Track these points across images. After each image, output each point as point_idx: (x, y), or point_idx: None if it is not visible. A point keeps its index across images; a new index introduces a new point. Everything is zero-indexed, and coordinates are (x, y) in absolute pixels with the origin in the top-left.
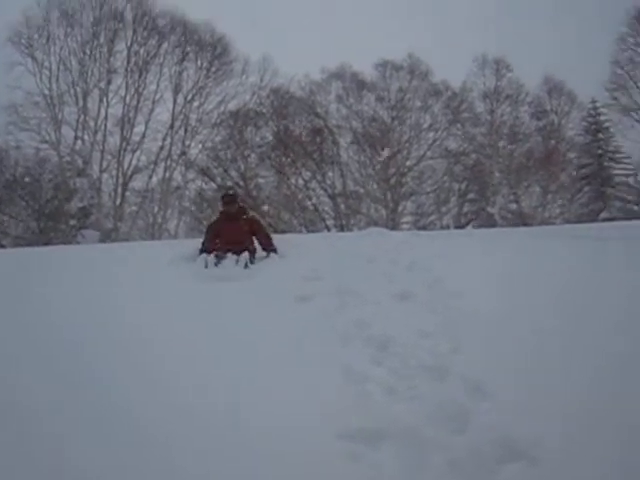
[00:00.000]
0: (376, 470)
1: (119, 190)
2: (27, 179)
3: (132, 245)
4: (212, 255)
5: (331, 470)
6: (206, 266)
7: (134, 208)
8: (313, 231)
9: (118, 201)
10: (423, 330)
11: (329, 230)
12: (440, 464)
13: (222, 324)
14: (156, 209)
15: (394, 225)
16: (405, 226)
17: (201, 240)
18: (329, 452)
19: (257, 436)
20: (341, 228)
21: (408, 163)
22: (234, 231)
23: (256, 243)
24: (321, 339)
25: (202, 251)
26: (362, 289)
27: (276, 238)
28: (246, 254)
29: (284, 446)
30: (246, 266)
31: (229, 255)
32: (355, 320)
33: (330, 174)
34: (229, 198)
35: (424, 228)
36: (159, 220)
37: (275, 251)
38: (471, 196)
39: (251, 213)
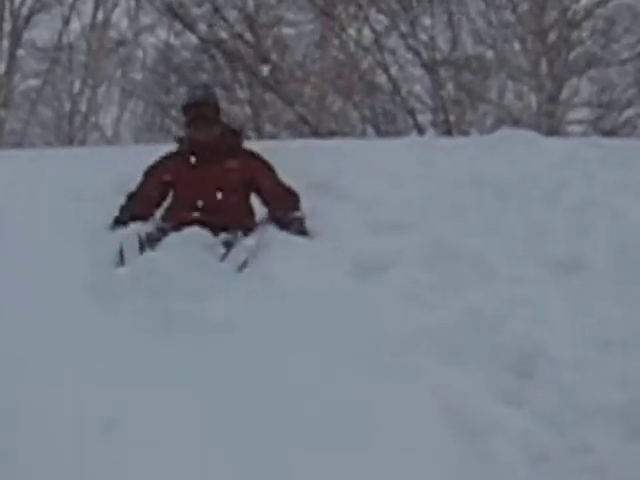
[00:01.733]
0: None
1: (4, 46)
2: None
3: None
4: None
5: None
6: (121, 260)
7: (33, 82)
8: (390, 134)
9: (2, 68)
10: (605, 337)
11: (422, 133)
12: None
13: None
14: (77, 84)
15: (553, 125)
16: (576, 128)
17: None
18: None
19: None
20: (447, 130)
21: (584, 1)
22: (207, 183)
23: (258, 210)
24: (401, 351)
25: (119, 221)
26: (486, 251)
27: (317, 148)
28: (247, 240)
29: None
30: (243, 266)
31: (192, 231)
32: (473, 312)
33: (426, 21)
34: (200, 107)
35: (612, 133)
36: (82, 106)
37: (302, 226)
38: None
39: (247, 146)
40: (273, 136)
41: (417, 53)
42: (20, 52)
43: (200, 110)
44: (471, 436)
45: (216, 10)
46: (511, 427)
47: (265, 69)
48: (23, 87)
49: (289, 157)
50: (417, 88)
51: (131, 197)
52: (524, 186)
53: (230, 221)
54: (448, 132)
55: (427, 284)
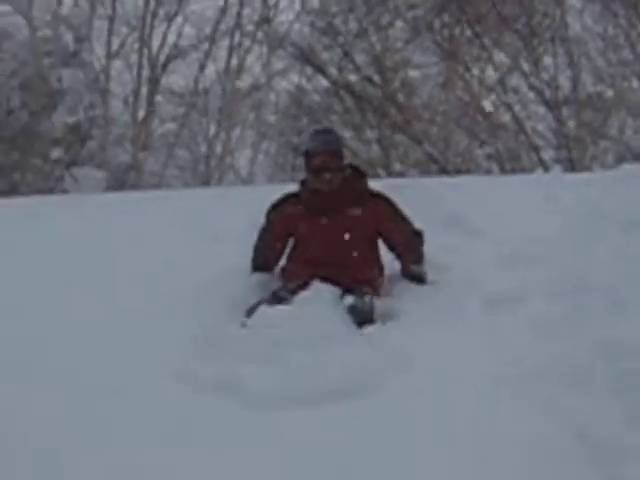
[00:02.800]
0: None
1: (143, 92)
2: None
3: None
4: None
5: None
6: (250, 314)
7: (170, 127)
8: (514, 171)
9: (141, 113)
10: None
11: (546, 169)
12: None
13: None
14: (212, 128)
15: None
16: None
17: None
18: None
19: None
20: (570, 165)
21: None
22: (329, 237)
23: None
24: (537, 382)
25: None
26: (615, 282)
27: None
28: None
29: None
30: (367, 314)
31: (312, 289)
32: (602, 341)
33: (548, 61)
34: (321, 156)
35: None
36: (218, 148)
37: (422, 275)
38: None
39: (372, 189)
40: (402, 174)
41: (540, 92)
42: (158, 98)
43: (321, 159)
44: (607, 464)
45: (345, 54)
46: None
47: (393, 110)
48: (161, 131)
49: (419, 194)
50: (540, 126)
51: (256, 250)
52: None
53: (355, 277)
54: (571, 168)
55: (557, 315)
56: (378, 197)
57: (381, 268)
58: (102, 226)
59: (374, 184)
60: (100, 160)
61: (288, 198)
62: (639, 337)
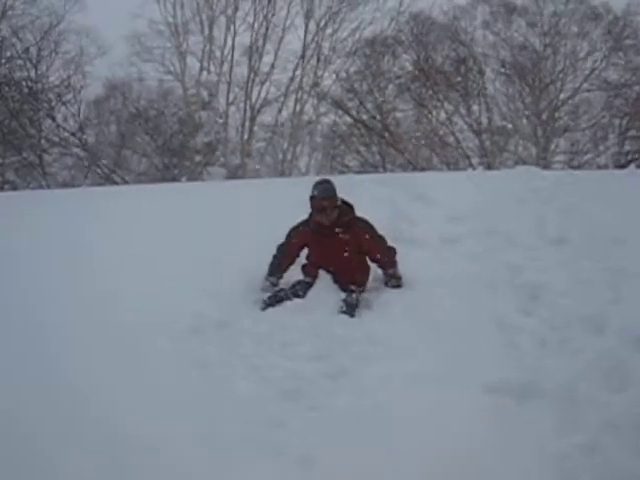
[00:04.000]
0: (524, 426)
1: (246, 124)
2: (151, 112)
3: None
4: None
5: (476, 425)
6: (266, 304)
7: (262, 144)
8: (456, 170)
9: (245, 136)
10: (579, 278)
11: (474, 169)
12: (595, 424)
13: None
14: (285, 145)
15: (545, 164)
16: (557, 165)
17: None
18: (474, 406)
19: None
20: (487, 167)
21: (562, 96)
22: (330, 251)
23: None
24: (467, 283)
25: (272, 269)
26: (512, 232)
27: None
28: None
29: (429, 395)
30: (349, 311)
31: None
32: (505, 264)
33: (475, 107)
34: (324, 199)
35: (579, 168)
36: (289, 157)
37: (398, 279)
38: (633, 133)
39: (359, 217)
40: (392, 171)
41: (470, 125)
42: (255, 128)
43: (322, 202)
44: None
45: (360, 103)
46: None
47: (386, 135)
48: (256, 146)
49: (402, 182)
50: (470, 145)
51: (279, 250)
52: (533, 197)
53: (346, 280)
54: (488, 168)
55: (480, 250)
56: (361, 224)
57: (367, 273)
58: (224, 197)
59: (374, 177)
60: (222, 162)
61: (301, 224)
62: (526, 261)
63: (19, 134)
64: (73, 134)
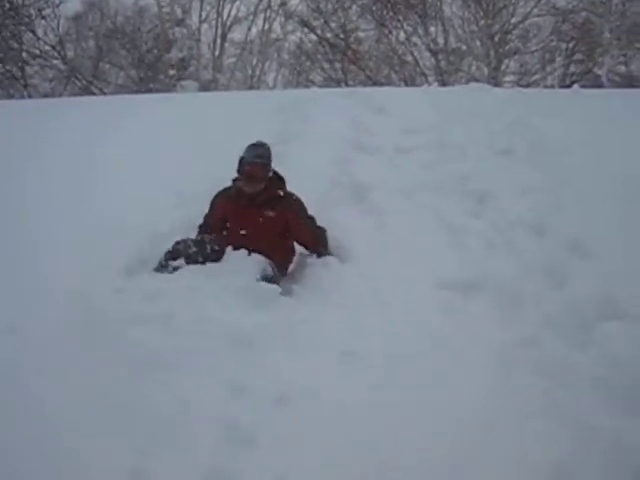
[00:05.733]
0: (471, 319)
1: (218, 41)
2: (127, 28)
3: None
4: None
5: (426, 318)
6: (163, 266)
7: (233, 60)
8: (412, 86)
9: (217, 52)
10: (524, 186)
11: (430, 85)
12: (536, 317)
13: None
14: (255, 61)
15: (496, 83)
16: (507, 85)
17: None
18: (426, 301)
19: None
20: (442, 84)
21: (513, 20)
22: (250, 224)
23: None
24: (420, 190)
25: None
26: (463, 143)
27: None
28: (265, 262)
29: (383, 291)
30: (270, 279)
31: (230, 251)
32: (455, 173)
33: (432, 29)
34: (255, 164)
35: (527, 87)
36: (257, 72)
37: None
38: (578, 57)
39: (289, 193)
40: (353, 87)
41: (427, 46)
42: (226, 44)
43: (252, 168)
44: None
45: (325, 22)
46: None
47: (350, 52)
48: (227, 62)
49: (362, 97)
50: (427, 64)
51: (200, 227)
52: (484, 112)
53: (268, 251)
54: (443, 85)
55: (432, 160)
56: (291, 201)
57: (290, 259)
58: (197, 106)
59: (337, 91)
60: (195, 77)
61: (224, 191)
62: (475, 170)
63: (2, 47)
64: (53, 47)
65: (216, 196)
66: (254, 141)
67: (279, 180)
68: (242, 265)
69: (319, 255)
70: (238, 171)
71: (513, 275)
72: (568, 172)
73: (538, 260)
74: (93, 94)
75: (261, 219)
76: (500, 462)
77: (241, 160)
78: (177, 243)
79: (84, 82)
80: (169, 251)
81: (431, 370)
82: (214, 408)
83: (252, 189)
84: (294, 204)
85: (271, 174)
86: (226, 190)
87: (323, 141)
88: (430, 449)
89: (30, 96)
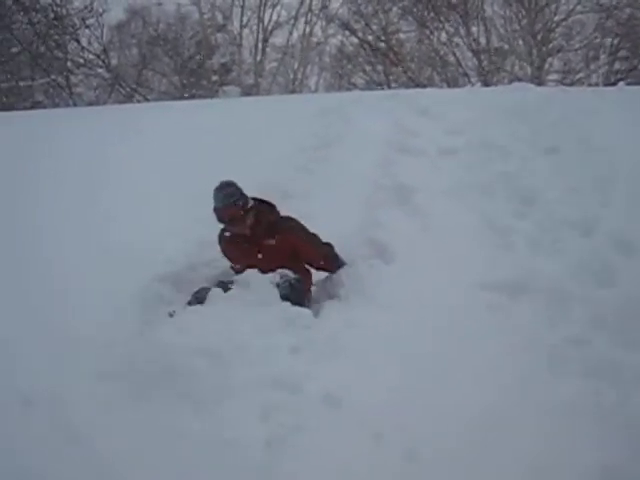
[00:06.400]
0: (518, 320)
1: (259, 46)
2: (169, 35)
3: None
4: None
5: (472, 319)
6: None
7: (274, 64)
8: (455, 87)
9: (258, 57)
10: (570, 185)
11: (472, 86)
12: (584, 318)
13: None
14: (296, 65)
15: (539, 82)
16: (551, 84)
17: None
18: (471, 302)
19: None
20: (485, 84)
21: (556, 18)
22: (256, 261)
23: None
24: (464, 191)
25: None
26: (507, 144)
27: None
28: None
29: (428, 292)
30: (287, 288)
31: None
32: (499, 173)
33: (474, 29)
34: (225, 208)
35: (571, 85)
36: (299, 76)
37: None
38: (623, 53)
39: (284, 217)
40: (396, 89)
41: (469, 46)
42: (267, 49)
43: (225, 213)
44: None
45: (366, 25)
46: None
47: (391, 54)
48: (269, 67)
49: (405, 99)
50: (469, 64)
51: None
52: (528, 111)
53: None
54: (485, 85)
55: (476, 161)
56: (288, 225)
57: (306, 277)
58: (239, 111)
59: (379, 94)
60: (237, 82)
61: (222, 236)
62: (520, 170)
63: (47, 57)
64: (97, 56)
65: (218, 242)
66: (217, 185)
67: (269, 207)
68: (265, 287)
69: (332, 272)
70: (218, 220)
71: (560, 275)
72: (614, 170)
73: (585, 260)
74: (137, 101)
75: (260, 255)
76: (550, 465)
77: (214, 210)
78: (197, 292)
79: (128, 90)
80: (194, 298)
81: (481, 372)
82: None
83: (242, 229)
84: (293, 226)
85: (251, 204)
86: (223, 231)
87: (366, 144)
88: (489, 446)
89: (75, 104)
